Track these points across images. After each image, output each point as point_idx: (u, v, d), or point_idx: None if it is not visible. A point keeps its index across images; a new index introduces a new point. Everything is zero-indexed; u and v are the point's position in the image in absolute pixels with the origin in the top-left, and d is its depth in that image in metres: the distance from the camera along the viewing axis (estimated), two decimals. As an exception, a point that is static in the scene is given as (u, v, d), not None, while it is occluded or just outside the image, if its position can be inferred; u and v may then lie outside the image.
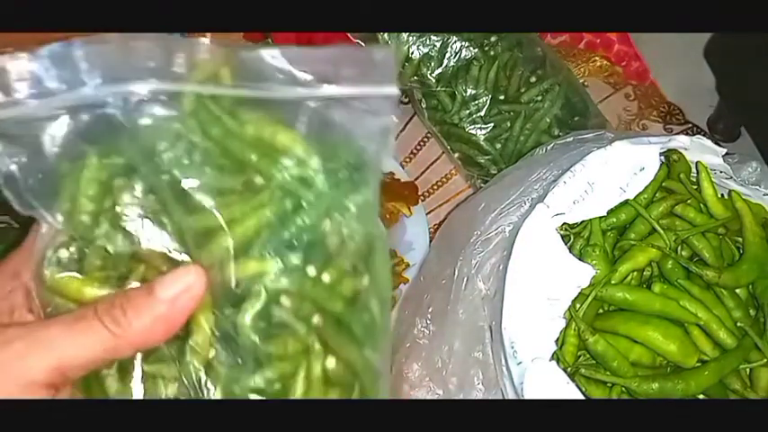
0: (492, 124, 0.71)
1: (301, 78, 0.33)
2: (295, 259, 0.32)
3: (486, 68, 0.70)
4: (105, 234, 0.31)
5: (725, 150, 0.45)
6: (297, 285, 0.32)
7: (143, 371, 0.31)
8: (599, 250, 0.41)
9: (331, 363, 0.33)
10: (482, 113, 0.71)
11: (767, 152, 0.77)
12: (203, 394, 0.31)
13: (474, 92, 0.70)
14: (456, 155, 0.74)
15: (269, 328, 0.32)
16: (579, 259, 0.40)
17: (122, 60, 0.31)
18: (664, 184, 0.45)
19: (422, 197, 0.75)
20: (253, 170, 0.33)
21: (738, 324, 0.41)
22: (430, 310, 0.52)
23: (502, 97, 0.71)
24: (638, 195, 0.43)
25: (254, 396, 0.31)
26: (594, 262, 0.41)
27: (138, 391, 0.31)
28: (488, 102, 0.70)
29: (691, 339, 0.41)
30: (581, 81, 0.84)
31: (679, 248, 0.43)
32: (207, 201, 0.31)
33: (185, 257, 0.31)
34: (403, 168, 0.76)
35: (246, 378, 0.31)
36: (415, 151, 0.81)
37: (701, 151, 0.45)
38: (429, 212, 0.75)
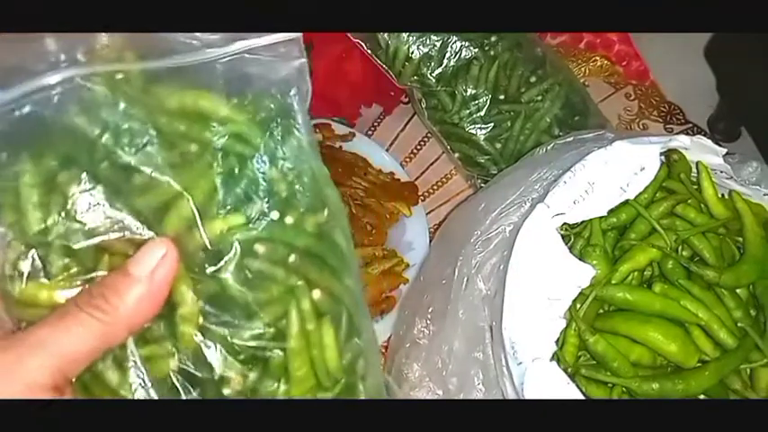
0: (492, 124, 0.71)
1: (207, 40, 0.34)
2: (256, 208, 0.33)
3: (486, 68, 0.70)
4: (62, 233, 0.31)
5: (725, 150, 0.45)
6: (265, 232, 0.33)
7: (139, 355, 0.31)
8: (599, 250, 0.41)
9: (317, 294, 0.34)
10: (482, 113, 0.71)
11: (767, 152, 0.77)
12: (204, 358, 0.32)
13: (474, 92, 0.70)
14: (456, 155, 0.74)
15: (251, 277, 0.33)
16: (580, 259, 0.40)
17: (23, 58, 0.31)
18: (664, 183, 0.45)
19: (422, 197, 0.75)
20: (186, 140, 0.33)
21: (739, 324, 0.41)
22: (430, 310, 0.52)
23: (502, 97, 0.71)
24: (638, 195, 0.43)
25: (254, 344, 0.32)
26: (595, 262, 0.41)
27: (138, 376, 0.31)
28: (488, 102, 0.70)
29: (691, 339, 0.41)
30: (581, 81, 0.84)
31: (679, 248, 0.43)
32: (156, 174, 0.31)
33: (148, 234, 0.31)
34: (403, 168, 0.76)
35: (243, 330, 0.32)
36: (415, 151, 0.81)
37: (702, 151, 0.45)
38: (429, 212, 0.75)
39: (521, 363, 0.39)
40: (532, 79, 0.72)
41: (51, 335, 0.29)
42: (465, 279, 0.46)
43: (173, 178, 0.32)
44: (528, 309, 0.39)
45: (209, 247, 0.32)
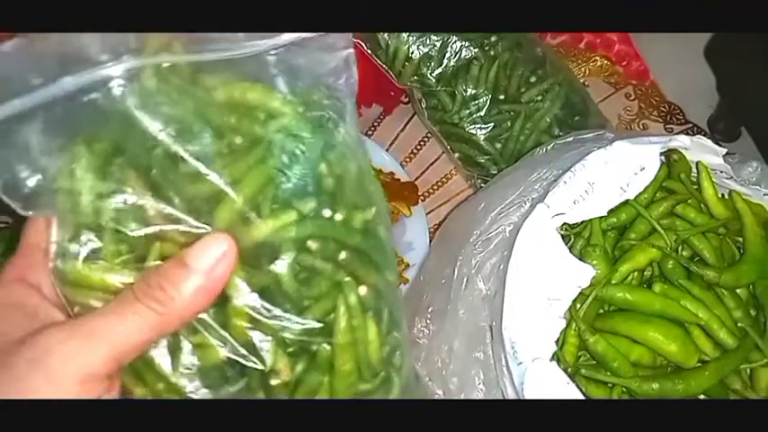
0: (492, 124, 0.71)
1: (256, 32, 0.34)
2: (309, 205, 0.33)
3: (486, 68, 0.70)
4: (115, 219, 0.32)
5: (725, 150, 0.45)
6: (318, 229, 0.33)
7: (191, 343, 0.32)
8: (599, 250, 0.41)
9: (363, 290, 0.35)
10: (482, 113, 0.71)
11: (767, 152, 0.77)
12: (256, 350, 0.32)
13: (474, 92, 0.70)
14: (456, 155, 0.74)
15: (303, 273, 0.33)
16: (580, 259, 0.40)
17: (80, 50, 0.31)
18: (664, 183, 0.45)
19: (422, 197, 0.75)
20: (235, 133, 0.33)
21: (739, 324, 0.41)
22: (429, 310, 0.52)
23: (502, 97, 0.71)
24: (638, 195, 0.43)
25: (304, 338, 0.33)
26: (595, 262, 0.41)
27: (189, 364, 0.32)
28: (488, 102, 0.70)
29: (691, 339, 0.41)
30: (581, 81, 0.84)
31: (680, 248, 0.43)
32: (205, 167, 0.32)
33: (200, 226, 0.31)
34: (403, 168, 0.76)
35: (293, 324, 0.33)
36: (415, 151, 0.81)
37: (702, 151, 0.45)
38: (429, 212, 0.75)
39: (521, 363, 0.39)
40: (532, 79, 0.72)
41: (109, 325, 0.29)
42: (465, 279, 0.46)
43: (224, 171, 0.32)
44: (528, 309, 0.39)
45: (263, 241, 0.32)
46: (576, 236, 0.43)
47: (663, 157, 0.46)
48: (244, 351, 0.32)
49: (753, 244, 0.42)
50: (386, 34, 0.69)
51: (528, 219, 0.41)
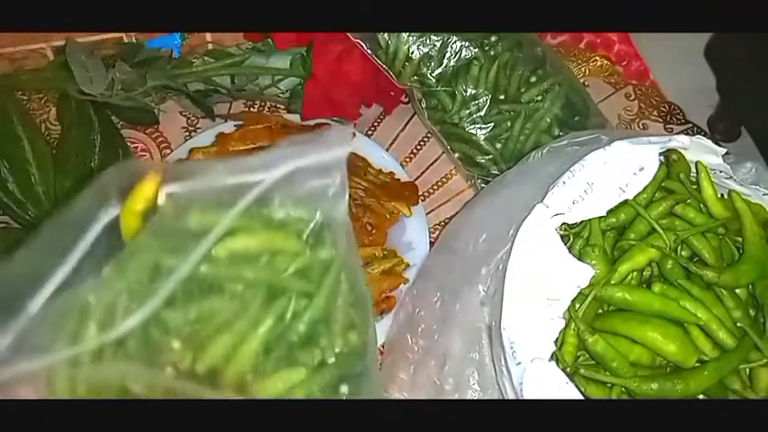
0: (492, 124, 0.71)
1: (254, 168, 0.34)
2: (316, 359, 0.33)
3: (486, 68, 0.70)
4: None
5: (725, 150, 0.45)
6: (326, 378, 0.33)
7: None
8: (598, 250, 0.41)
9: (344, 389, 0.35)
10: (482, 113, 0.71)
11: (767, 152, 0.77)
12: None
13: (474, 92, 0.70)
14: (456, 155, 0.74)
15: None
16: (579, 259, 0.40)
17: None
18: (663, 184, 0.45)
19: (422, 197, 0.75)
20: (231, 283, 0.33)
21: (738, 324, 0.41)
22: (421, 328, 0.52)
23: (502, 97, 0.71)
24: (637, 195, 0.43)
25: None
26: (594, 262, 0.41)
27: None
28: (488, 102, 0.70)
29: (690, 339, 0.41)
30: (581, 81, 0.84)
31: (679, 248, 0.43)
32: (204, 333, 0.31)
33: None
34: (403, 168, 0.76)
35: None
36: (415, 151, 0.81)
37: (701, 151, 0.45)
38: (429, 212, 0.74)
39: (520, 363, 0.39)
40: (532, 79, 0.72)
41: None
42: (457, 290, 0.46)
43: (225, 339, 0.32)
44: (527, 309, 0.39)
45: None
46: (575, 236, 0.43)
47: (662, 158, 0.46)
48: None
49: (752, 244, 0.42)
50: (386, 34, 0.69)
51: (527, 219, 0.41)
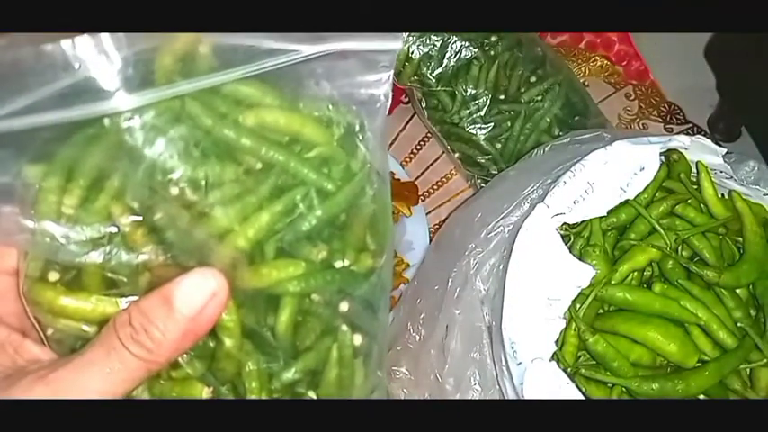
0: (492, 124, 0.71)
1: (292, 39, 0.32)
2: (320, 255, 0.31)
3: (486, 68, 0.70)
4: (101, 247, 0.29)
5: (725, 150, 0.45)
6: (324, 282, 0.31)
7: (171, 378, 0.31)
8: (599, 250, 0.41)
9: (358, 340, 0.33)
10: (482, 113, 0.71)
11: (767, 152, 0.77)
12: (241, 392, 0.31)
13: (474, 92, 0.70)
14: (456, 155, 0.74)
15: (301, 322, 0.32)
16: (579, 259, 0.40)
17: (88, 81, 0.27)
18: (664, 183, 0.45)
19: (422, 197, 0.75)
20: (254, 159, 0.31)
21: (739, 324, 0.41)
22: (422, 315, 0.52)
23: (502, 97, 0.71)
24: (638, 195, 0.43)
25: (291, 385, 0.32)
26: (594, 262, 0.41)
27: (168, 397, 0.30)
28: (488, 102, 0.70)
29: (691, 339, 0.41)
30: (581, 81, 0.84)
31: (679, 248, 0.43)
32: (210, 199, 0.29)
33: (195, 264, 0.29)
34: (403, 168, 0.76)
35: (283, 371, 0.32)
36: (415, 151, 0.81)
37: (702, 151, 0.45)
38: (429, 212, 0.75)
39: (520, 363, 0.39)
40: (532, 79, 0.72)
41: (94, 378, 0.28)
42: (463, 279, 0.46)
43: (229, 206, 0.30)
44: (528, 309, 0.39)
45: (264, 289, 0.30)
46: (575, 236, 0.43)
47: (663, 158, 0.46)
48: (228, 392, 0.31)
49: (753, 244, 0.42)
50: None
51: (528, 219, 0.41)
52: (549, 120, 0.71)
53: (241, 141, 0.31)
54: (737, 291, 0.43)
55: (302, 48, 0.31)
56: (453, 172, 0.79)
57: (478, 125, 0.71)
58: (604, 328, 0.41)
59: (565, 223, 0.41)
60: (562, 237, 0.41)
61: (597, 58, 0.89)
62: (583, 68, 0.88)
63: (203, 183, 0.30)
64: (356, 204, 0.33)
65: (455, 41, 0.69)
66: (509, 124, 0.71)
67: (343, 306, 0.32)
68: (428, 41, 0.69)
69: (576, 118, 0.73)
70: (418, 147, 0.81)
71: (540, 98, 0.71)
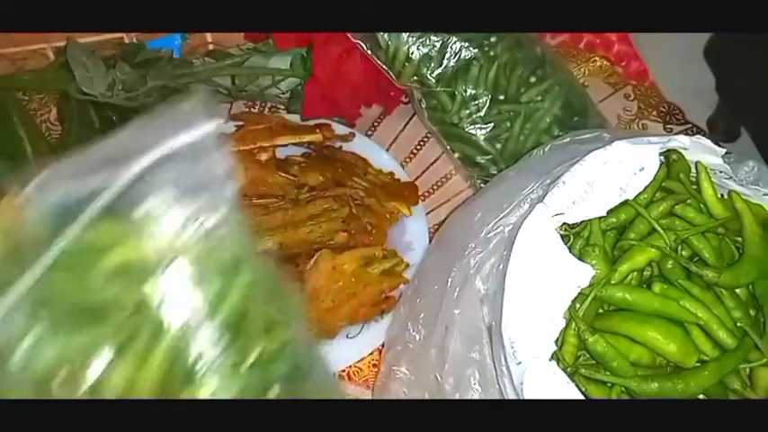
0: (492, 124, 0.71)
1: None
2: (221, 380, 0.31)
3: (485, 68, 0.70)
4: None
5: (725, 150, 0.45)
6: (244, 382, 0.31)
7: None
8: (599, 250, 0.41)
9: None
10: (482, 113, 0.71)
11: (767, 152, 0.77)
12: None
13: (474, 92, 0.70)
14: (456, 155, 0.74)
15: None
16: (579, 259, 0.40)
17: None
18: (664, 184, 0.45)
19: (422, 197, 0.75)
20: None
21: (738, 324, 0.41)
22: (422, 315, 0.52)
23: (502, 97, 0.71)
24: (637, 195, 0.43)
25: None
26: (594, 262, 0.41)
27: None
28: (488, 102, 0.70)
29: (690, 339, 0.41)
30: (581, 81, 0.84)
31: (679, 248, 0.43)
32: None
33: None
34: (403, 168, 0.76)
35: None
36: (415, 151, 0.81)
37: (701, 151, 0.45)
38: (429, 212, 0.75)
39: (520, 362, 0.39)
40: (532, 79, 0.72)
41: None
42: (463, 279, 0.46)
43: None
44: (527, 308, 0.39)
45: None
46: (575, 236, 0.43)
47: (662, 158, 0.46)
48: None
49: (752, 244, 0.42)
50: (386, 34, 0.69)
51: (527, 219, 0.41)
52: (548, 120, 0.71)
53: (102, 297, 0.30)
54: (737, 291, 0.43)
55: (127, 171, 0.30)
56: (453, 172, 0.79)
57: (478, 125, 0.71)
58: (604, 327, 0.41)
59: (564, 223, 0.41)
60: (562, 237, 0.41)
61: (597, 58, 0.89)
62: (582, 69, 0.88)
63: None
64: (246, 293, 0.32)
65: (455, 42, 0.69)
66: (509, 124, 0.71)
67: (275, 390, 0.33)
68: (428, 42, 0.69)
69: (576, 118, 0.73)
70: (418, 147, 0.81)
71: (539, 98, 0.71)
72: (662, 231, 0.42)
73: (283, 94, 0.79)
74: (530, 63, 0.72)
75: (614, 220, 0.44)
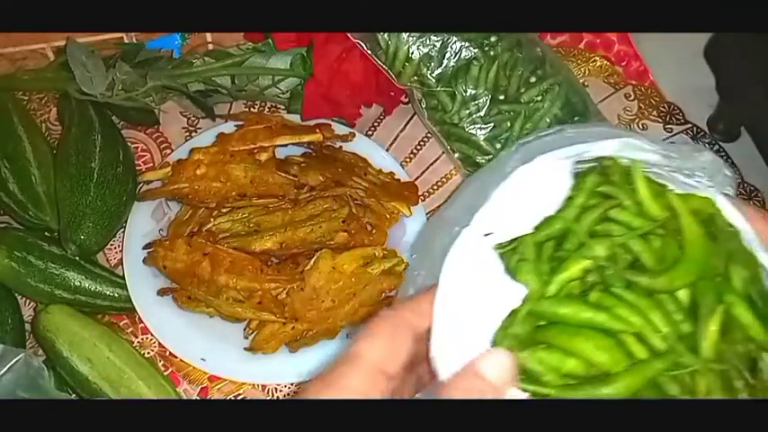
0: (492, 124, 0.71)
1: None
2: None
3: (486, 68, 0.70)
4: None
5: (658, 146, 0.44)
6: None
7: None
8: (530, 265, 0.40)
9: None
10: (482, 113, 0.71)
11: (767, 152, 0.78)
12: None
13: (474, 92, 0.70)
14: (456, 155, 0.74)
15: None
16: (513, 277, 0.39)
17: None
18: (602, 189, 0.44)
19: (422, 197, 0.75)
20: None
21: (668, 329, 0.39)
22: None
23: (502, 97, 0.71)
24: (566, 206, 0.42)
25: None
26: (527, 278, 0.40)
27: None
28: (488, 102, 0.71)
29: (624, 348, 0.39)
30: (581, 81, 0.84)
31: (621, 253, 0.42)
32: None
33: None
34: (403, 168, 0.76)
35: None
36: (415, 151, 0.81)
37: (636, 150, 0.44)
38: (429, 212, 0.75)
39: None
40: (532, 79, 0.72)
41: None
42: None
43: None
44: (455, 334, 0.38)
45: None
46: (510, 253, 0.42)
47: (595, 163, 0.44)
48: None
49: (690, 244, 0.40)
50: (386, 34, 0.69)
51: (455, 245, 0.39)
52: (548, 120, 0.71)
53: None
54: (681, 293, 0.41)
55: None
56: (453, 172, 0.79)
57: (478, 125, 0.71)
58: (543, 340, 0.40)
59: (497, 242, 0.40)
60: (500, 255, 0.40)
61: (597, 58, 0.89)
62: (582, 68, 0.88)
63: None
64: None
65: (455, 42, 0.69)
66: (509, 124, 0.71)
67: None
68: (428, 41, 0.69)
69: (576, 118, 0.73)
70: (418, 147, 0.81)
71: (539, 98, 0.72)
72: (589, 242, 0.40)
73: (283, 93, 0.79)
74: (530, 63, 0.72)
75: (548, 231, 0.42)
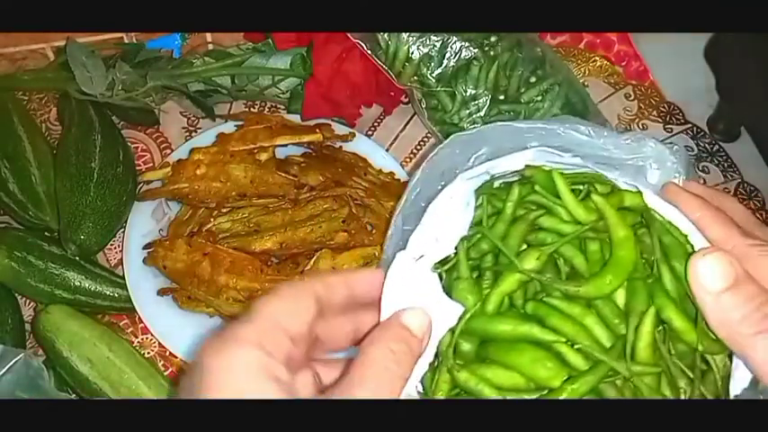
0: (492, 124, 0.71)
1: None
2: None
3: (486, 68, 0.70)
4: None
5: (571, 153, 0.43)
6: None
7: None
8: (465, 283, 0.40)
9: None
10: (482, 113, 0.71)
11: (767, 152, 0.78)
12: None
13: (474, 92, 0.71)
14: (456, 155, 0.74)
15: None
16: (450, 296, 0.39)
17: None
18: (532, 198, 0.43)
19: (422, 197, 0.75)
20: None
21: (604, 333, 0.39)
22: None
23: (502, 97, 0.71)
24: (492, 225, 0.42)
25: None
26: (463, 295, 0.39)
27: None
28: (488, 102, 0.71)
29: (560, 358, 0.39)
30: (581, 81, 0.84)
31: (559, 260, 0.41)
32: None
33: None
34: (403, 168, 0.76)
35: None
36: (415, 151, 0.81)
37: (553, 157, 0.43)
38: (429, 212, 0.74)
39: None
40: (532, 79, 0.72)
41: None
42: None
43: None
44: None
45: None
46: (447, 272, 0.41)
47: (519, 174, 0.44)
48: None
49: (617, 245, 0.39)
50: (386, 34, 0.69)
51: (390, 270, 0.39)
52: (548, 120, 0.71)
53: None
54: (618, 294, 0.40)
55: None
56: (453, 172, 0.79)
57: (478, 125, 0.71)
58: (485, 356, 0.40)
59: (433, 262, 0.40)
60: (438, 275, 0.40)
61: (597, 58, 0.89)
62: (583, 68, 0.88)
63: None
64: None
65: (455, 41, 0.69)
66: (509, 124, 0.71)
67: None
68: (428, 41, 0.69)
69: (576, 118, 0.73)
70: (418, 147, 0.81)
71: (539, 98, 0.72)
72: (514, 258, 0.39)
73: (283, 93, 0.79)
74: (530, 63, 0.72)
75: (479, 248, 0.42)
